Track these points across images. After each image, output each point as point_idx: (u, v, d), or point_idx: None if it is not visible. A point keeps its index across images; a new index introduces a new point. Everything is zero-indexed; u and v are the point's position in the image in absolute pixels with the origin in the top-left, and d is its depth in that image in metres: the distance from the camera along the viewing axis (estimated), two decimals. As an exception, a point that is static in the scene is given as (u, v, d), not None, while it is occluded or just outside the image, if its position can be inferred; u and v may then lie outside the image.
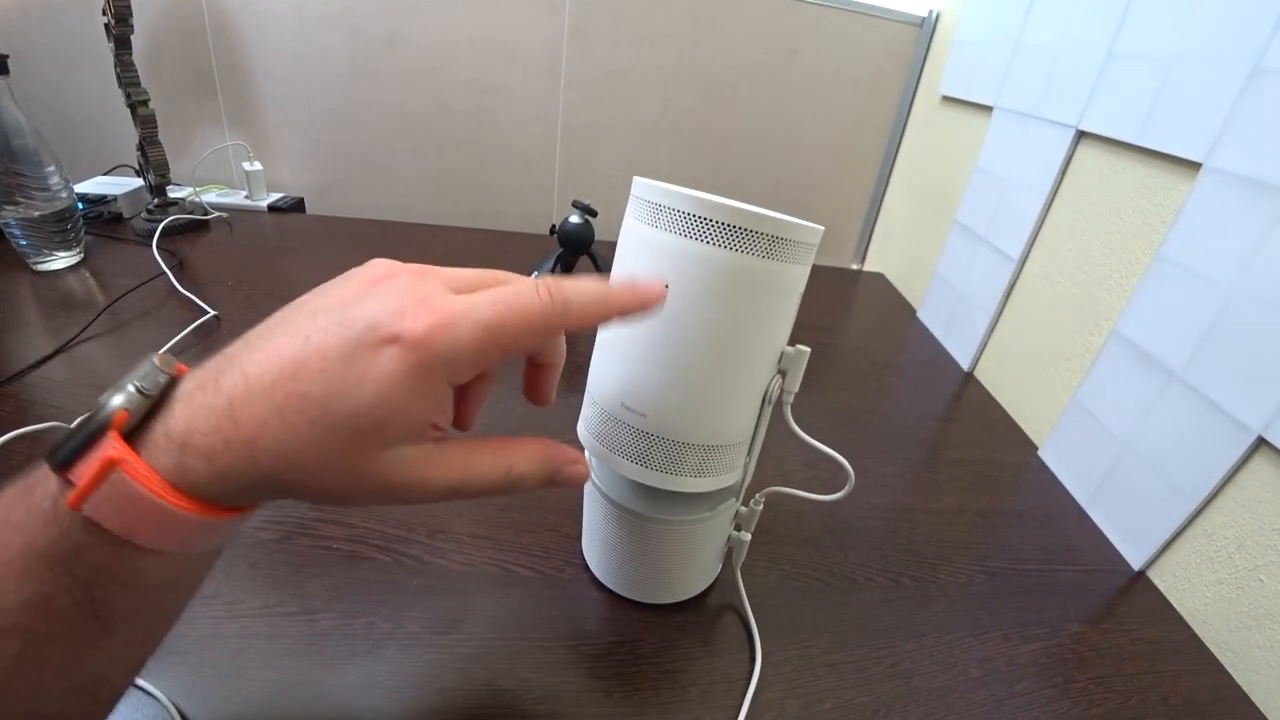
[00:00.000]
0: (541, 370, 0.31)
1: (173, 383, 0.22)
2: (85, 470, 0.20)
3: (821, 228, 0.34)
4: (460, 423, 0.30)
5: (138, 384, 0.21)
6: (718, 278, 0.32)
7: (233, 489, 0.21)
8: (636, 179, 0.34)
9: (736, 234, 0.30)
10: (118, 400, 0.21)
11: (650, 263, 0.33)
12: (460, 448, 0.25)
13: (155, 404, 0.21)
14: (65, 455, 0.20)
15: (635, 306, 0.27)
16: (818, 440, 0.38)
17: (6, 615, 0.20)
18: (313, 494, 0.23)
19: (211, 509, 0.21)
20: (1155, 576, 0.56)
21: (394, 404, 0.22)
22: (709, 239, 0.31)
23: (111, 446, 0.20)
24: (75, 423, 0.21)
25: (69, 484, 0.20)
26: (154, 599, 0.23)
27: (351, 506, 0.26)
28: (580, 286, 0.25)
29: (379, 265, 0.25)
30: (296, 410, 0.21)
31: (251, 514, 0.24)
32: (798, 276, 0.34)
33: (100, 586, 0.21)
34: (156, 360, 0.22)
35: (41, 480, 0.21)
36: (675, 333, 0.33)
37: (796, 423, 0.38)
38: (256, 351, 0.22)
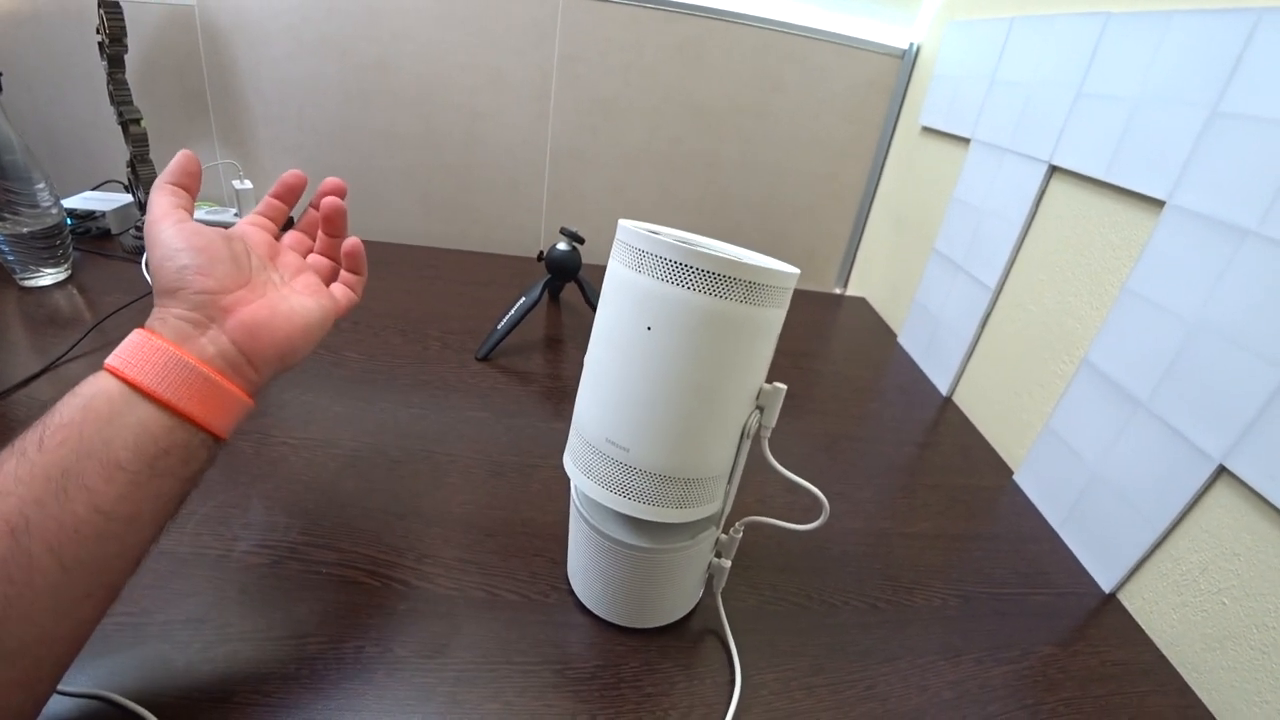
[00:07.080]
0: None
1: None
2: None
3: (797, 270, 0.35)
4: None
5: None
6: (698, 321, 0.33)
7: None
8: (621, 223, 0.35)
9: (716, 280, 0.32)
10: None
11: (633, 305, 0.34)
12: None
13: None
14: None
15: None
16: (800, 466, 0.40)
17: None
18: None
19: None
20: (1125, 599, 0.58)
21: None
22: (689, 284, 0.32)
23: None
24: None
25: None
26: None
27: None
28: None
29: None
30: None
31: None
32: (774, 319, 0.35)
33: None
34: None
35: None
36: (657, 372, 0.34)
37: (779, 449, 0.39)
38: None
